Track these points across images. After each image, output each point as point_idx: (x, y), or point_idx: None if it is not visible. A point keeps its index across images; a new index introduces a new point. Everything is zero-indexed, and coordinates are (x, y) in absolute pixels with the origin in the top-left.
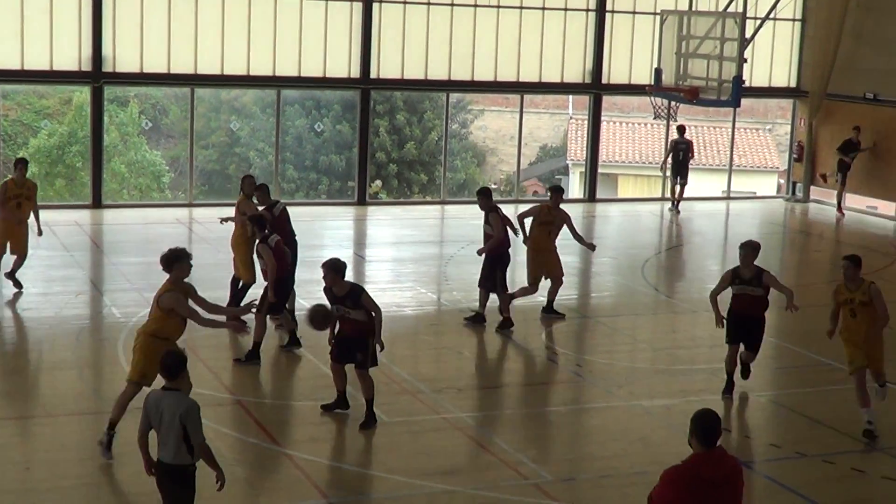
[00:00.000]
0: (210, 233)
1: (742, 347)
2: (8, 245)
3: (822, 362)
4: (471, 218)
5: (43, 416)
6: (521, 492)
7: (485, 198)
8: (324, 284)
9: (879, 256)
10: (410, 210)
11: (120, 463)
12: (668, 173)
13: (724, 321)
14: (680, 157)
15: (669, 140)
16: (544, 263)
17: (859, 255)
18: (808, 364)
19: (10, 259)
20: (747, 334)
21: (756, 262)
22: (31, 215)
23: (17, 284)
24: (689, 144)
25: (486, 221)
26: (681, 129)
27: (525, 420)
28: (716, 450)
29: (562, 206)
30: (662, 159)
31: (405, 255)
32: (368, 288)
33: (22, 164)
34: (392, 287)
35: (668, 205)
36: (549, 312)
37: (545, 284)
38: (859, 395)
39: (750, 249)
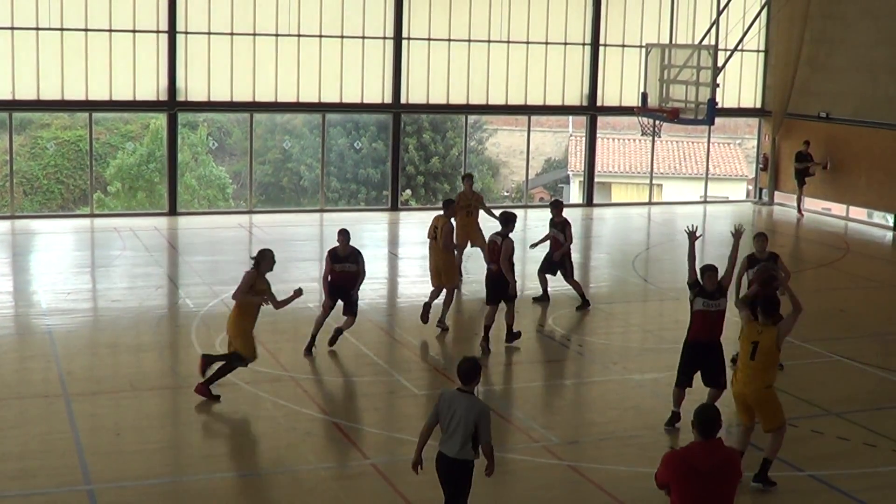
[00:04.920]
0: (267, 235)
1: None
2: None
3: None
4: (483, 221)
5: (129, 391)
6: (532, 453)
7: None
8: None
9: (834, 250)
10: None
11: (194, 429)
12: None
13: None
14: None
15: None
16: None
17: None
18: None
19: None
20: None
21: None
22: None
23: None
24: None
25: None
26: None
27: (535, 392)
28: (712, 441)
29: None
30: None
31: None
32: (400, 280)
33: (468, 178)
34: (420, 280)
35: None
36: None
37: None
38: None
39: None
